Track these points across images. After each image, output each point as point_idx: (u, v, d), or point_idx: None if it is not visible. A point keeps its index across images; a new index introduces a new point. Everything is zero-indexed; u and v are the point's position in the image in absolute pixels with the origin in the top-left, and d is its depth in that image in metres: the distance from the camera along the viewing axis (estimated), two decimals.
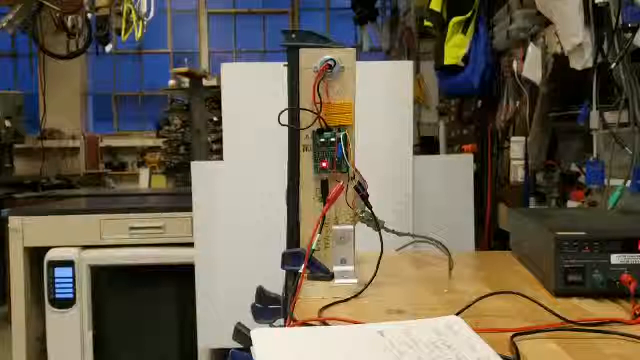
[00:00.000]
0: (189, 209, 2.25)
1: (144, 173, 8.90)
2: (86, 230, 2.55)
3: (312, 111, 1.09)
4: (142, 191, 6.31)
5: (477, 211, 2.33)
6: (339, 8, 8.97)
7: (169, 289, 2.57)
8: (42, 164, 5.87)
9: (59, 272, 2.47)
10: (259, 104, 2.04)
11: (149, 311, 2.58)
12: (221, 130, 2.19)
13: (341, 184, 1.09)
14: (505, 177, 2.49)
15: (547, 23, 1.95)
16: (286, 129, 1.13)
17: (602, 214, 1.45)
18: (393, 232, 1.23)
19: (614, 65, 1.45)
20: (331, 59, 1.09)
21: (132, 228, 2.56)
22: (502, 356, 0.69)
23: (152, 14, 4.64)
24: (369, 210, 1.12)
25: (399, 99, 2.12)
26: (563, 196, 1.93)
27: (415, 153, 2.25)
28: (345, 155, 1.09)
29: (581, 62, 1.60)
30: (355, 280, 1.09)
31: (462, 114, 3.20)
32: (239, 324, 1.43)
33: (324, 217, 1.09)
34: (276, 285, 1.32)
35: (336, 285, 1.08)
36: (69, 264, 2.47)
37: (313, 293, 1.05)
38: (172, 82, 7.02)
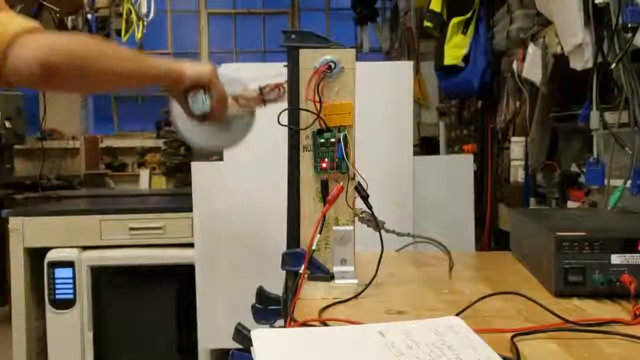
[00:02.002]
0: (189, 209, 2.25)
1: (144, 173, 8.89)
2: (86, 231, 2.55)
3: (312, 111, 1.09)
4: (142, 191, 6.30)
5: (477, 211, 2.33)
6: (339, 8, 8.97)
7: (169, 289, 2.57)
8: (42, 164, 5.86)
9: (59, 272, 2.47)
10: None
11: (149, 311, 2.57)
12: None
13: (341, 184, 1.09)
14: (505, 177, 2.48)
15: (547, 23, 1.95)
16: (286, 129, 1.13)
17: (602, 214, 1.45)
18: (393, 232, 1.23)
19: (613, 65, 1.45)
20: (331, 61, 1.09)
21: (132, 228, 2.55)
22: (502, 356, 0.69)
23: (152, 15, 4.64)
24: (369, 210, 1.12)
25: (399, 99, 2.12)
26: (563, 196, 1.93)
27: (415, 153, 2.25)
28: (345, 155, 1.09)
29: (581, 62, 1.60)
30: (355, 281, 1.09)
31: (462, 114, 3.20)
32: (239, 324, 1.43)
33: (324, 217, 1.09)
34: (276, 285, 1.32)
35: (336, 285, 1.08)
36: (69, 264, 2.47)
37: (313, 293, 1.05)
38: None
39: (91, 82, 1.21)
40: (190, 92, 1.21)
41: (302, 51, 1.11)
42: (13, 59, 1.08)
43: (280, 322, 1.29)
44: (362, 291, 1.04)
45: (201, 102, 1.19)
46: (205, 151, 1.32)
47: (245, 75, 1.30)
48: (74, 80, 1.17)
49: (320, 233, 1.09)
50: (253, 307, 1.36)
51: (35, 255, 2.56)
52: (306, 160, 1.12)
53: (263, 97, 1.22)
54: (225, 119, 1.25)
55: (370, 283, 1.06)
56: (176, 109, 1.26)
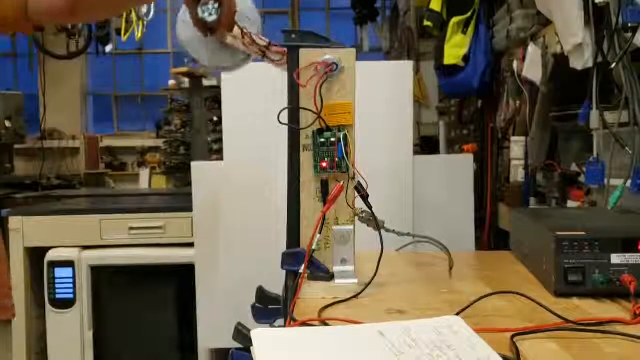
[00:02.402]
0: (189, 209, 2.25)
1: (144, 173, 8.90)
2: (86, 230, 2.55)
3: (312, 111, 1.09)
4: (142, 191, 6.31)
5: (477, 211, 2.33)
6: (339, 8, 8.97)
7: (169, 289, 2.57)
8: (42, 164, 5.87)
9: (59, 272, 2.47)
10: (259, 104, 2.04)
11: (149, 311, 2.58)
12: (221, 130, 2.19)
13: (341, 184, 1.09)
14: (505, 177, 2.48)
15: (547, 23, 1.95)
16: (286, 129, 1.13)
17: (602, 214, 1.45)
18: (393, 232, 1.23)
19: (614, 65, 1.45)
20: (333, 63, 1.09)
21: (132, 228, 2.56)
22: (502, 356, 0.69)
23: (151, 14, 4.65)
24: (369, 210, 1.12)
25: (399, 99, 2.12)
26: (563, 196, 1.93)
27: (415, 153, 2.25)
28: (345, 155, 1.09)
29: (581, 62, 1.60)
30: (355, 280, 1.09)
31: (462, 113, 3.20)
32: (239, 324, 1.43)
33: (324, 217, 1.09)
34: (276, 285, 1.32)
35: (336, 285, 1.08)
36: (69, 264, 2.48)
37: (313, 293, 1.05)
38: (172, 82, 7.02)
39: (115, 6, 1.29)
40: (202, 0, 1.22)
41: (302, 51, 1.11)
42: (34, 3, 1.13)
43: (280, 322, 1.29)
44: (362, 291, 1.04)
45: (209, 12, 1.20)
46: (201, 65, 1.35)
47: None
48: (100, 7, 1.25)
49: (320, 233, 1.09)
50: (253, 307, 1.36)
51: (35, 255, 2.56)
52: (306, 160, 1.12)
53: (267, 50, 1.22)
54: (225, 42, 1.25)
55: (370, 283, 1.06)
56: (184, 16, 1.29)
